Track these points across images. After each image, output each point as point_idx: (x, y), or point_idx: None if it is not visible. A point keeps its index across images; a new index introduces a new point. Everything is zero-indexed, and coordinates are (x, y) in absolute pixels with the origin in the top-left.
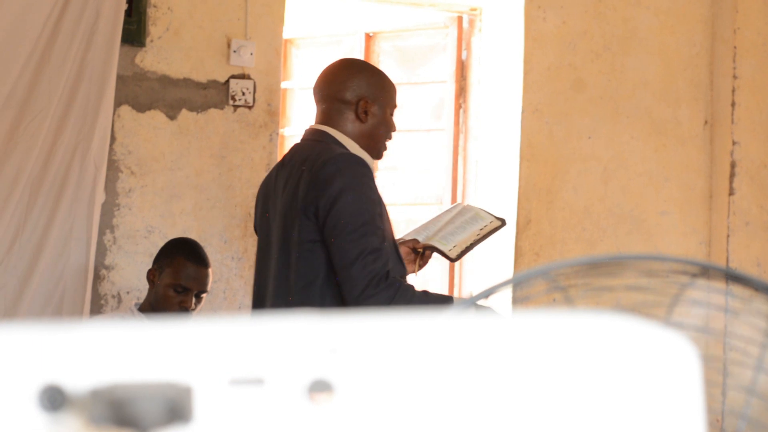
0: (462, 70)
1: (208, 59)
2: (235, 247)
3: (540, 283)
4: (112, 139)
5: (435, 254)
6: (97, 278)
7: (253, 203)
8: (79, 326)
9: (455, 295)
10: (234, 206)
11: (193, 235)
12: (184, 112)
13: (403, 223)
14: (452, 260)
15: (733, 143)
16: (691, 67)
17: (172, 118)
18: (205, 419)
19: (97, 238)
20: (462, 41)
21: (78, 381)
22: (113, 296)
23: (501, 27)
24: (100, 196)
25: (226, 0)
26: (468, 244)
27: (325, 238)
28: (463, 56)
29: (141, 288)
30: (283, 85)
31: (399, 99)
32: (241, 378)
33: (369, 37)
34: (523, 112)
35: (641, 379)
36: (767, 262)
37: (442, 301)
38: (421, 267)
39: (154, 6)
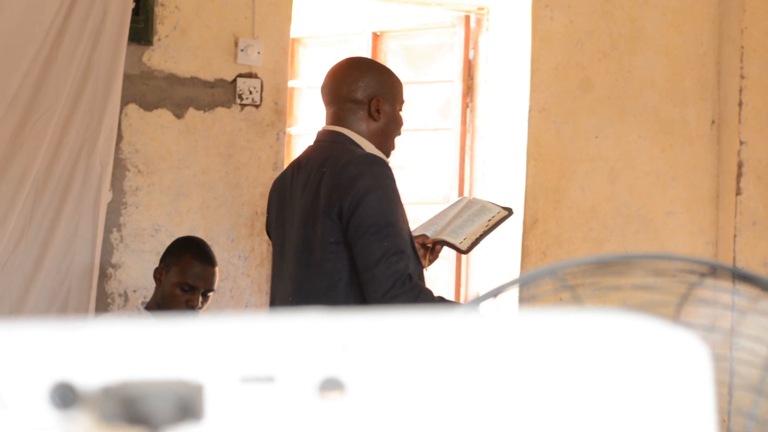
0: (469, 70)
1: (215, 58)
2: (242, 246)
3: (547, 282)
4: (119, 137)
5: (445, 248)
6: (104, 277)
7: (260, 202)
8: (90, 324)
9: (462, 297)
10: (241, 205)
11: (200, 234)
12: (191, 110)
13: (409, 222)
14: (464, 252)
15: (741, 143)
16: (698, 66)
17: (179, 116)
18: (216, 417)
19: (104, 237)
20: (469, 40)
21: (89, 378)
22: (120, 295)
23: (508, 26)
24: (106, 195)
25: None
26: (478, 235)
27: (349, 239)
28: (471, 55)
29: (148, 286)
30: (291, 84)
31: (406, 98)
32: (252, 376)
33: (376, 36)
34: (530, 111)
35: (654, 377)
36: None
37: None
38: (431, 262)
39: (162, 5)
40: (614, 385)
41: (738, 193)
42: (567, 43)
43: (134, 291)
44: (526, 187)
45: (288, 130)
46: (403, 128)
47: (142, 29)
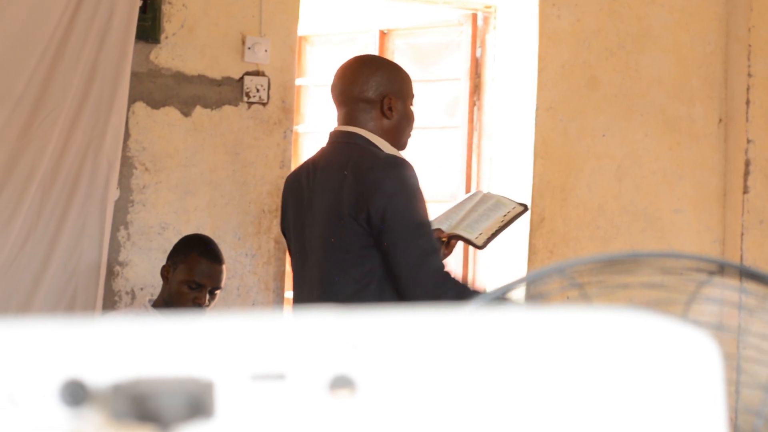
0: (476, 68)
1: (222, 56)
2: (249, 244)
3: (555, 280)
4: (127, 135)
5: (459, 243)
6: (111, 275)
7: (267, 200)
8: (100, 321)
9: None
10: (248, 203)
11: (206, 232)
12: (198, 108)
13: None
14: (479, 248)
15: (748, 141)
16: (705, 65)
17: (186, 114)
18: (226, 414)
19: (112, 235)
20: (476, 39)
21: (100, 376)
22: (127, 293)
23: (515, 24)
24: (113, 193)
25: None
26: (493, 230)
27: (382, 243)
28: (478, 54)
29: (155, 284)
30: (298, 82)
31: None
32: (262, 373)
33: (383, 35)
34: (537, 109)
35: (664, 375)
36: None
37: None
38: (445, 256)
39: (169, 2)
40: (625, 383)
41: (745, 191)
42: (574, 42)
43: (141, 289)
44: (533, 185)
45: (295, 128)
46: (413, 126)
47: (149, 27)
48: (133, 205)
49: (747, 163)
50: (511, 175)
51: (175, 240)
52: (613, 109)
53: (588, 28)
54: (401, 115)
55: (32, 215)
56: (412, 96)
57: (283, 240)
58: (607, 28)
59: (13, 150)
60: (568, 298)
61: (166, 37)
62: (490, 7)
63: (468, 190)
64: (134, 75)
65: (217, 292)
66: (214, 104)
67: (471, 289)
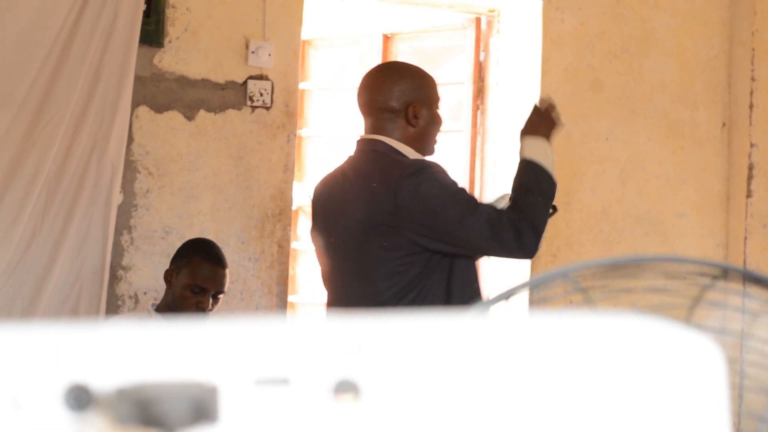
0: (480, 72)
1: (226, 60)
2: (252, 248)
3: (558, 284)
4: (130, 139)
5: None
6: (115, 279)
7: (270, 204)
8: (105, 326)
9: None
10: (251, 207)
11: (210, 236)
12: (202, 112)
13: None
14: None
15: (751, 145)
16: (708, 69)
17: (190, 118)
18: (231, 419)
19: (115, 239)
20: (480, 42)
21: (104, 380)
22: (130, 297)
23: (519, 28)
24: (117, 197)
25: (245, 1)
26: None
27: (441, 241)
28: (481, 57)
29: (158, 288)
30: (301, 86)
31: None
32: (267, 378)
33: (387, 38)
34: None
35: (668, 379)
36: None
37: (543, 175)
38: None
39: (173, 6)
40: (629, 388)
41: (748, 195)
42: (577, 45)
43: (144, 293)
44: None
45: (299, 132)
46: (442, 122)
47: (153, 31)
48: (136, 209)
49: (750, 167)
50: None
51: (179, 244)
52: (617, 112)
53: (591, 31)
54: (427, 121)
55: (36, 219)
56: (437, 100)
57: (287, 244)
58: (611, 32)
59: (16, 153)
60: (571, 302)
61: (170, 41)
62: (493, 11)
63: (471, 193)
64: (138, 79)
65: (221, 296)
66: (217, 108)
67: (540, 198)
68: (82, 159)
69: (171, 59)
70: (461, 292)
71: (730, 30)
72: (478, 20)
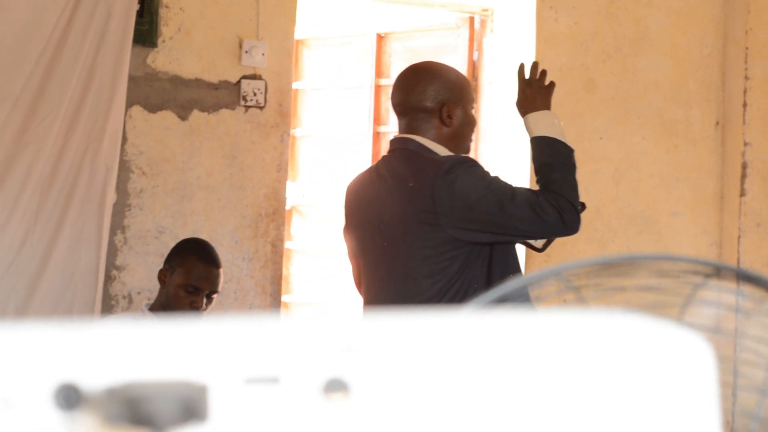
0: (473, 71)
1: (219, 60)
2: (246, 248)
3: (552, 283)
4: (124, 139)
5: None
6: (108, 279)
7: (264, 204)
8: (95, 325)
9: None
10: (245, 206)
11: (203, 236)
12: (195, 112)
13: None
14: (539, 250)
15: (745, 144)
16: (702, 67)
17: (183, 118)
18: (220, 418)
19: (109, 239)
20: (473, 42)
21: (94, 380)
22: (124, 297)
23: (512, 28)
24: (111, 197)
25: (238, 0)
26: None
27: (485, 232)
28: (475, 57)
29: (152, 288)
30: (295, 85)
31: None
32: (257, 377)
33: (380, 38)
34: None
35: (658, 378)
36: None
37: (558, 148)
38: None
39: (166, 6)
40: (619, 386)
41: (742, 194)
42: (571, 45)
43: (138, 293)
44: (530, 188)
45: (292, 131)
46: (476, 122)
47: (146, 31)
48: (130, 209)
49: (744, 166)
50: (509, 178)
51: (172, 244)
52: (611, 111)
53: (585, 31)
54: (461, 121)
55: (29, 219)
56: (471, 100)
57: (280, 244)
58: (604, 31)
59: (9, 153)
60: (565, 301)
61: (163, 41)
62: (487, 10)
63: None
64: (131, 79)
65: (215, 296)
66: (211, 108)
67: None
68: (76, 159)
69: (164, 59)
70: (502, 281)
71: (724, 29)
72: (471, 19)
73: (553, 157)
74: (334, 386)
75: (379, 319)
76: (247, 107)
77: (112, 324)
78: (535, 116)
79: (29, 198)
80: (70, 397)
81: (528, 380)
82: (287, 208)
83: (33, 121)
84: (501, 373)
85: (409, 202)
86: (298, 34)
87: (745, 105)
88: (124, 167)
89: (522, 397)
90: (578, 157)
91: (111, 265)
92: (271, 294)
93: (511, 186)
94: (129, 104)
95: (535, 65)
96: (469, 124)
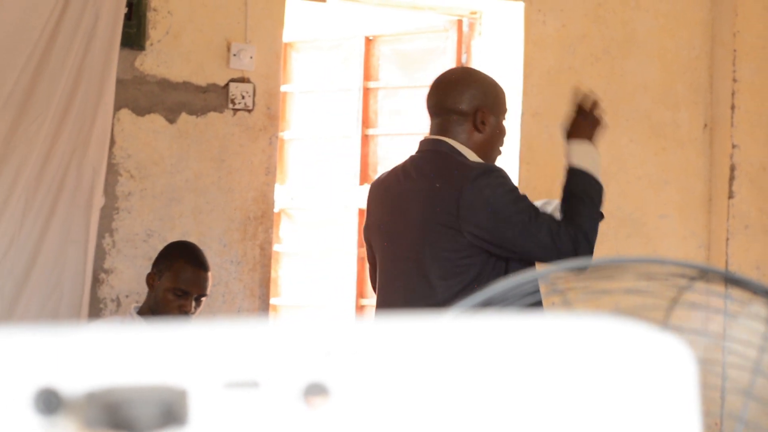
0: None
1: (207, 63)
2: (235, 251)
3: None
4: (112, 142)
5: None
6: (97, 282)
7: (252, 207)
8: (75, 329)
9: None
10: (233, 210)
11: (192, 239)
12: (183, 115)
13: None
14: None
15: (733, 146)
16: (690, 70)
17: (171, 121)
18: (200, 422)
19: (97, 242)
20: (462, 45)
21: (74, 384)
22: (112, 300)
23: (501, 30)
24: (98, 200)
25: (226, 3)
26: None
27: (501, 246)
28: (463, 60)
29: (140, 291)
30: (283, 88)
31: (399, 103)
32: (237, 381)
33: (369, 41)
34: (522, 115)
35: (637, 381)
36: (767, 266)
37: (592, 184)
38: None
39: (154, 9)
40: (597, 389)
41: (730, 196)
42: (559, 48)
43: (127, 296)
44: (519, 190)
45: (281, 134)
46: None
47: (134, 34)
48: (118, 213)
49: (732, 168)
50: None
51: (161, 247)
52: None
53: (573, 33)
54: (493, 129)
55: (16, 222)
56: (505, 111)
57: (269, 247)
58: (592, 34)
59: None
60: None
61: (151, 44)
62: (475, 13)
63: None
64: (119, 82)
65: (203, 299)
66: (199, 111)
67: (595, 209)
68: (63, 162)
69: (152, 62)
70: None
71: (712, 31)
72: (459, 22)
73: (584, 192)
74: (314, 390)
75: (362, 323)
76: (236, 110)
77: (99, 327)
78: (579, 145)
79: (16, 200)
80: (50, 402)
81: (509, 383)
82: (276, 211)
83: (21, 124)
84: (482, 376)
85: (433, 203)
86: (287, 36)
87: (733, 107)
88: (113, 170)
89: (503, 400)
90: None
91: (99, 268)
92: (259, 297)
93: (536, 208)
94: (117, 107)
95: (588, 96)
96: (500, 134)
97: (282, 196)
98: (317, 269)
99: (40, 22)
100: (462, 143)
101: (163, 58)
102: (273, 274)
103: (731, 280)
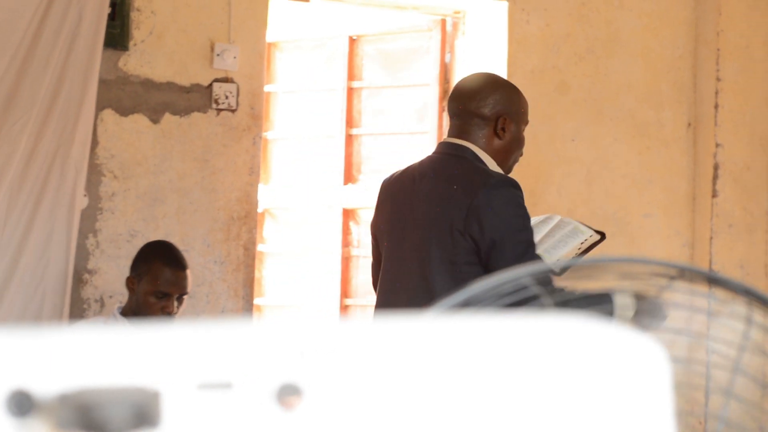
0: (445, 73)
1: (191, 63)
2: (218, 251)
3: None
4: (95, 143)
5: None
6: (80, 282)
7: (236, 207)
8: (49, 331)
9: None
10: (217, 210)
11: (175, 239)
12: (167, 115)
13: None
14: (557, 275)
15: (716, 145)
16: (674, 69)
17: (155, 121)
18: (172, 424)
19: (80, 242)
20: (446, 44)
21: (46, 386)
22: (96, 300)
23: (484, 30)
24: (81, 201)
25: (210, 4)
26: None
27: (489, 260)
28: (447, 59)
29: (124, 292)
30: (267, 88)
31: (382, 102)
32: (210, 382)
33: (353, 41)
34: None
35: (609, 380)
36: (750, 264)
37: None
38: None
39: (138, 10)
40: (569, 388)
41: (714, 195)
42: (543, 47)
43: (110, 297)
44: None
45: (264, 134)
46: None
47: (117, 34)
48: (101, 213)
49: (716, 167)
50: None
51: None
52: (583, 113)
53: (557, 33)
54: (513, 137)
55: None
56: (526, 122)
57: (253, 247)
58: (576, 33)
59: None
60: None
61: (135, 44)
62: (459, 12)
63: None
64: (103, 82)
65: (185, 297)
66: (182, 111)
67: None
68: (46, 162)
69: (136, 62)
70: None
71: (695, 30)
72: (443, 22)
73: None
74: (288, 391)
75: (337, 324)
76: (219, 110)
77: (81, 328)
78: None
79: (0, 200)
80: (22, 404)
81: (480, 383)
82: (259, 210)
83: (5, 124)
84: (456, 377)
85: (448, 204)
86: (270, 36)
87: (716, 106)
88: (96, 171)
89: (476, 399)
90: (550, 159)
91: (83, 268)
92: (243, 297)
93: (532, 244)
94: (100, 108)
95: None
96: (518, 143)
97: (266, 196)
98: (301, 269)
99: (24, 22)
100: (481, 148)
101: (147, 58)
102: (257, 274)
103: (710, 280)
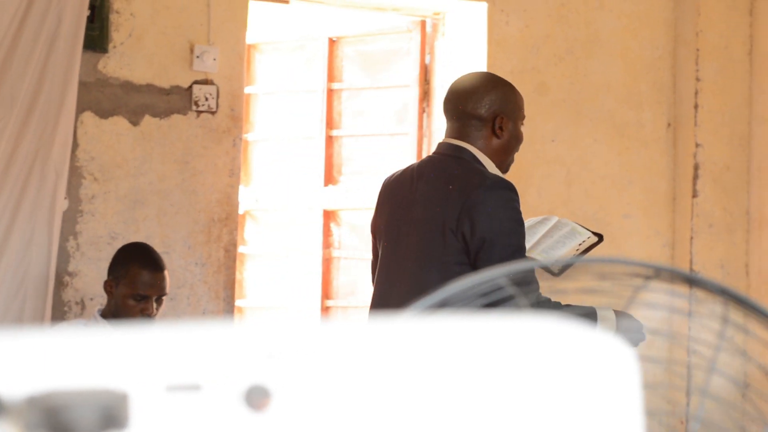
0: (425, 75)
1: (170, 65)
2: (199, 253)
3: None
4: (75, 145)
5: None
6: (61, 285)
7: (216, 209)
8: (18, 334)
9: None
10: (197, 212)
11: (156, 241)
12: (147, 117)
13: (367, 227)
14: (555, 275)
15: (696, 145)
16: (653, 69)
17: (135, 124)
18: (141, 426)
19: (61, 245)
20: (425, 45)
21: (13, 389)
22: (77, 303)
23: (464, 31)
24: (61, 203)
25: (189, 6)
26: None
27: (477, 261)
28: (427, 60)
29: (104, 294)
30: (247, 90)
31: (362, 104)
32: (178, 384)
33: (332, 42)
34: None
35: (577, 381)
36: (730, 264)
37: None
38: None
39: (117, 12)
40: (537, 389)
41: (694, 195)
42: (523, 48)
43: (91, 299)
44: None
45: (244, 136)
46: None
47: (97, 36)
48: (82, 215)
49: (696, 167)
50: None
51: None
52: (562, 114)
53: (536, 34)
54: (511, 135)
55: None
56: (523, 117)
57: (233, 248)
58: (556, 34)
59: None
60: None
61: (114, 47)
62: (438, 13)
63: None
64: (82, 84)
65: (163, 298)
66: (162, 113)
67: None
68: (25, 165)
69: (115, 65)
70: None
71: (675, 31)
72: (423, 23)
73: (573, 314)
74: (257, 393)
75: (308, 325)
76: (199, 112)
77: (62, 330)
78: (617, 320)
79: None
80: None
81: (453, 382)
82: (240, 212)
83: None
84: (430, 378)
85: (445, 204)
86: (250, 38)
87: (696, 106)
88: (76, 173)
89: (447, 399)
90: (530, 160)
91: (64, 271)
92: (224, 299)
93: (522, 250)
94: (80, 110)
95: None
96: (516, 141)
97: (246, 198)
98: (282, 271)
99: (3, 24)
100: (480, 149)
101: (126, 61)
102: (238, 275)
103: (686, 279)
